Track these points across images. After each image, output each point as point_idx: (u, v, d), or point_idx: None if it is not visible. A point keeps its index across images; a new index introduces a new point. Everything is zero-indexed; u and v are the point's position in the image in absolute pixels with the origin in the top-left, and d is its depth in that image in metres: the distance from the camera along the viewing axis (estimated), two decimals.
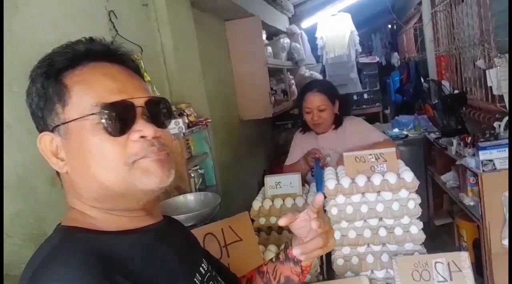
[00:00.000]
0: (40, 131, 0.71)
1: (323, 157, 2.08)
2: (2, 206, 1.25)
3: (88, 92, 0.67)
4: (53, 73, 0.68)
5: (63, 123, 0.67)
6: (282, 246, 0.94)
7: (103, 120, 0.65)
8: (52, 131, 0.69)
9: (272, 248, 1.50)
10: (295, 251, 0.82)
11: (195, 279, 0.76)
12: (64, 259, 0.61)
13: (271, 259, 0.97)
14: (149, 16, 2.39)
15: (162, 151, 0.69)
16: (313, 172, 2.13)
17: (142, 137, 0.67)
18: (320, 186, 1.79)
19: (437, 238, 3.27)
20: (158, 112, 0.72)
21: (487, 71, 2.52)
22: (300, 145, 2.31)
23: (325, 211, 1.48)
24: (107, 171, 0.66)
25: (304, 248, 0.81)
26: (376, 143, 2.05)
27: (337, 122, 2.19)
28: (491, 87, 2.52)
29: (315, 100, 2.12)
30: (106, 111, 0.65)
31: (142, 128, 0.67)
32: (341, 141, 2.15)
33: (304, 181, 2.13)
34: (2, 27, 1.33)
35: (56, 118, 0.68)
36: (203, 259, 0.86)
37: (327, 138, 2.21)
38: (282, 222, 0.82)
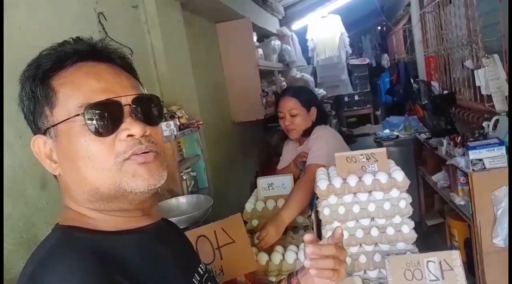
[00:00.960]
0: (34, 134, 0.71)
1: None
2: (2, 207, 1.23)
3: (73, 93, 0.66)
4: (39, 76, 0.68)
5: (52, 126, 0.67)
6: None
7: (89, 121, 0.64)
8: (44, 133, 0.69)
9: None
10: (306, 263, 0.79)
11: (193, 280, 0.76)
12: (63, 259, 0.61)
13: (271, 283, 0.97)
14: (139, 18, 2.38)
15: (150, 152, 0.68)
16: None
17: (129, 135, 0.67)
18: None
19: (429, 238, 3.29)
20: (148, 110, 0.71)
21: (475, 71, 2.55)
22: (288, 151, 2.31)
23: (317, 212, 1.48)
24: (96, 172, 0.66)
25: (316, 262, 0.79)
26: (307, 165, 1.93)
27: (309, 131, 2.08)
28: (479, 87, 2.55)
29: (287, 104, 2.07)
30: (91, 111, 0.65)
31: (130, 127, 0.66)
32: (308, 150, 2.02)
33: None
34: (2, 28, 1.31)
35: (46, 120, 0.68)
36: (201, 260, 0.86)
37: (303, 149, 2.12)
38: (307, 237, 0.81)
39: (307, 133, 2.08)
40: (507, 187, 2.06)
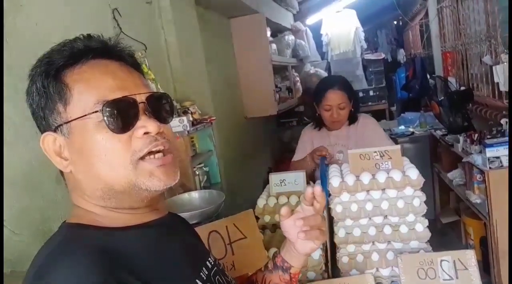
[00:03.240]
0: (42, 131, 0.70)
1: (330, 156, 2.07)
2: (2, 203, 1.25)
3: (89, 91, 0.67)
4: (52, 72, 0.68)
5: (66, 122, 0.67)
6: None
7: (106, 118, 0.65)
8: (54, 130, 0.69)
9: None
10: (300, 235, 0.82)
11: (201, 273, 0.76)
12: (69, 256, 0.61)
13: (260, 269, 0.97)
14: (153, 13, 2.40)
15: (169, 154, 0.69)
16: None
17: (145, 133, 0.67)
18: (325, 185, 1.78)
19: (444, 236, 3.25)
20: (160, 107, 0.72)
21: (493, 67, 2.49)
22: (310, 141, 2.29)
23: (329, 209, 1.47)
24: (111, 170, 0.66)
25: (306, 220, 0.82)
26: None
27: (352, 118, 2.20)
28: (498, 83, 2.50)
29: (336, 98, 2.11)
30: (108, 109, 0.65)
31: (146, 124, 0.67)
32: (352, 138, 2.16)
33: (312, 178, 2.12)
34: (2, 27, 1.33)
35: (58, 117, 0.68)
36: (210, 254, 0.86)
37: (339, 134, 2.20)
38: (284, 210, 0.84)
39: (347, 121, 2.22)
40: None
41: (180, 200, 1.88)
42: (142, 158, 0.67)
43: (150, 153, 0.67)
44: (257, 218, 1.64)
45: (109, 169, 0.66)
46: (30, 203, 1.37)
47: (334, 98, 2.11)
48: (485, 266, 2.35)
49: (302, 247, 0.86)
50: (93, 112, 0.65)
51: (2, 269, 1.22)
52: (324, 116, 2.17)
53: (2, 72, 1.30)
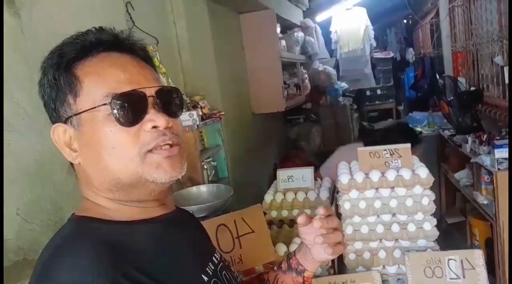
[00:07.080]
0: (53, 122, 0.71)
1: None
2: (2, 202, 1.26)
3: (99, 83, 0.67)
4: (63, 64, 0.68)
5: (75, 114, 0.67)
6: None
7: (115, 111, 0.65)
8: (65, 122, 0.69)
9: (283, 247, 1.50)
10: (318, 240, 0.82)
11: (207, 269, 0.76)
12: (75, 249, 0.62)
13: (272, 268, 0.98)
14: (165, 7, 2.41)
15: (175, 146, 0.69)
16: None
17: (154, 127, 0.67)
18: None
19: (449, 237, 3.24)
20: (170, 102, 0.71)
21: (505, 68, 2.48)
22: None
23: (337, 205, 1.48)
24: (119, 162, 0.66)
25: (327, 237, 0.81)
26: None
27: None
28: (508, 84, 2.48)
29: None
30: (117, 102, 0.65)
31: (155, 118, 0.67)
32: None
33: None
34: (2, 25, 1.33)
35: (68, 109, 0.68)
36: (216, 249, 0.87)
37: None
38: (301, 219, 0.83)
39: None
40: None
41: (188, 193, 1.90)
42: (150, 150, 0.67)
43: (158, 146, 0.68)
44: (264, 213, 1.65)
45: (116, 161, 0.66)
46: (42, 192, 1.39)
47: None
48: (490, 267, 2.35)
49: (318, 254, 0.87)
50: (102, 105, 0.65)
51: (2, 260, 1.23)
52: None
53: (3, 71, 1.30)
